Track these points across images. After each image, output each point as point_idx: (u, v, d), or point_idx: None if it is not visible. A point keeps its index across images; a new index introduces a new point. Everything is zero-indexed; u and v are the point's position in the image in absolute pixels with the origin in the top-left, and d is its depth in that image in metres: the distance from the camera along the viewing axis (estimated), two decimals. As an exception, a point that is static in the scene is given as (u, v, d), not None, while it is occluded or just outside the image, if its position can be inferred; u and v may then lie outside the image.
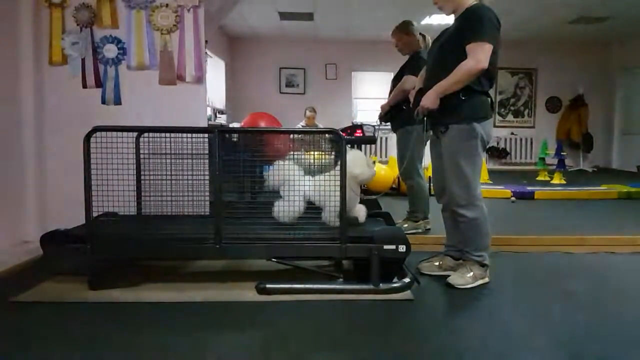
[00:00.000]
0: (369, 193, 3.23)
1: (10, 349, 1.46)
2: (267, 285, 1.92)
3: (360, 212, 2.17)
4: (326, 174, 2.05)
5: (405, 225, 2.90)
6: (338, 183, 1.94)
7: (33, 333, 1.58)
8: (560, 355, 1.44)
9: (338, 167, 2.01)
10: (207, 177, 2.36)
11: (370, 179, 2.16)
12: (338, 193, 1.94)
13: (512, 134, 8.39)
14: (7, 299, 1.85)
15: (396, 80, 2.88)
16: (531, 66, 8.34)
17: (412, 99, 2.27)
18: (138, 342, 1.51)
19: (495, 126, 8.22)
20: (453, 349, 1.50)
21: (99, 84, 2.60)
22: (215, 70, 7.14)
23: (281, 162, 2.08)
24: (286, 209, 2.05)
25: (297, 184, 2.04)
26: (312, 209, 2.12)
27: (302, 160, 2.14)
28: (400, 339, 1.55)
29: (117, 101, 2.61)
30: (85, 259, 1.95)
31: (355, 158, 2.03)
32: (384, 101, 2.99)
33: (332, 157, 2.14)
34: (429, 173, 2.62)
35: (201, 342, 1.50)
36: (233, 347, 1.48)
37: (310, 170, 2.11)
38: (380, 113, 3.01)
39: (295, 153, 2.21)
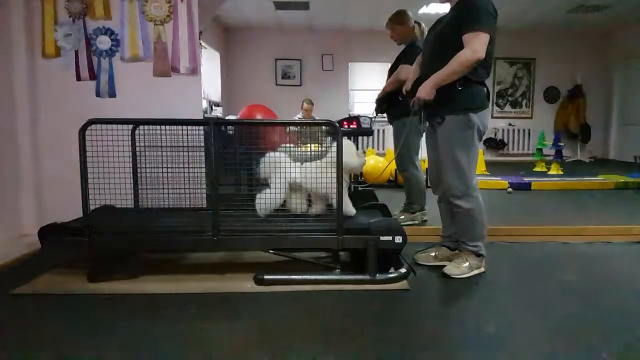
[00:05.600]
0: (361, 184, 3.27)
1: (10, 341, 1.47)
2: (265, 277, 1.93)
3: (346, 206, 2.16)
4: (315, 162, 2.05)
5: (402, 216, 2.91)
6: (326, 171, 1.94)
7: (32, 325, 1.59)
8: (556, 343, 1.46)
9: (327, 157, 2.01)
10: (203, 170, 2.36)
11: (359, 169, 2.17)
12: (325, 180, 1.94)
13: (510, 124, 8.38)
14: (6, 292, 1.85)
15: (393, 71, 2.87)
16: (529, 56, 8.30)
17: (404, 91, 2.26)
18: (137, 333, 1.52)
19: (493, 117, 8.21)
20: (449, 337, 1.52)
21: (93, 76, 2.58)
22: (210, 62, 7.08)
23: (271, 154, 2.07)
24: (267, 200, 2.04)
25: (286, 174, 2.03)
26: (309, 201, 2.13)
27: (294, 151, 2.13)
28: (397, 328, 1.56)
29: (112, 93, 2.59)
30: (83, 251, 1.96)
31: (344, 148, 2.03)
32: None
33: (323, 146, 2.13)
34: (427, 165, 2.63)
35: (200, 332, 1.52)
36: (232, 337, 1.49)
37: (301, 160, 2.11)
38: (377, 103, 2.99)
39: (287, 144, 2.21)
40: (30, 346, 1.44)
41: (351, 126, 2.94)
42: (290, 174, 2.04)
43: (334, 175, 1.93)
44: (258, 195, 2.08)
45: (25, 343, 1.46)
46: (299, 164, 2.08)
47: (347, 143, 2.10)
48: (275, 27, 7.75)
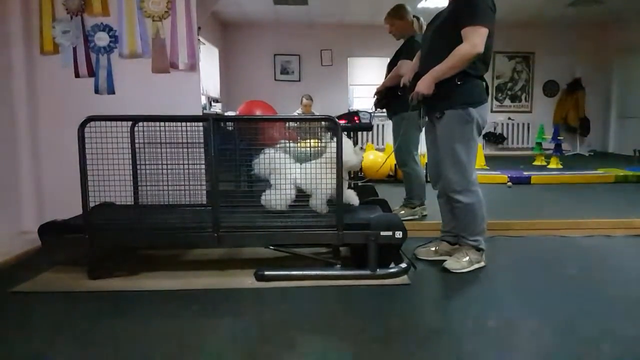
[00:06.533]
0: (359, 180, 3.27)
1: (10, 339, 1.48)
2: (266, 273, 1.94)
3: (350, 198, 2.16)
4: (315, 161, 2.05)
5: (402, 211, 2.91)
6: (326, 170, 1.94)
7: (33, 323, 1.59)
8: (556, 337, 1.47)
9: (326, 155, 2.00)
10: (203, 166, 2.35)
11: (358, 167, 2.17)
12: (325, 180, 1.94)
13: (509, 119, 8.37)
14: (6, 290, 1.86)
15: (392, 66, 2.86)
16: (528, 50, 8.28)
17: (402, 84, 2.26)
18: (138, 330, 1.52)
19: (492, 111, 8.20)
20: (449, 331, 1.53)
21: (92, 73, 2.57)
22: (209, 58, 7.05)
23: (268, 151, 2.07)
24: (275, 196, 2.04)
25: (285, 172, 2.03)
26: (303, 196, 2.13)
27: (291, 148, 2.13)
28: (397, 323, 1.57)
29: (111, 90, 2.58)
30: (83, 248, 1.96)
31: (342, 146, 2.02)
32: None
33: (322, 144, 2.13)
34: (426, 160, 2.62)
35: (201, 328, 1.52)
36: (233, 332, 1.50)
37: (300, 158, 2.11)
38: (376, 99, 2.98)
39: (284, 141, 2.20)
40: (31, 344, 1.44)
41: (353, 120, 2.94)
42: (291, 175, 2.03)
43: (333, 175, 1.92)
44: (264, 192, 2.07)
45: (26, 342, 1.46)
46: (297, 165, 2.07)
47: (344, 141, 2.10)
48: (274, 22, 7.71)
